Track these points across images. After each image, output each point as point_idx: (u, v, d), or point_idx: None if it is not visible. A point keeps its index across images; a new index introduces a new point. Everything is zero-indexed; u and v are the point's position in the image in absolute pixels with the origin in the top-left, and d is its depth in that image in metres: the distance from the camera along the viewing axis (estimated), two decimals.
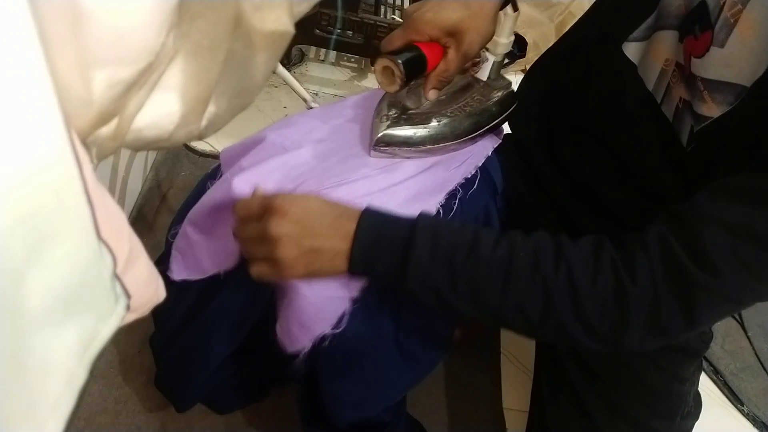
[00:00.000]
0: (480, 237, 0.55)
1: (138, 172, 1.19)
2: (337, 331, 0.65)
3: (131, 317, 0.41)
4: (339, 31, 1.41)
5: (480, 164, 0.74)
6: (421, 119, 0.69)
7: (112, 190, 1.05)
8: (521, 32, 1.70)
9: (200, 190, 0.77)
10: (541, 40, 1.69)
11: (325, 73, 1.63)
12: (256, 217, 0.57)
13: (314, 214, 0.55)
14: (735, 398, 1.24)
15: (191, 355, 0.80)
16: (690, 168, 0.58)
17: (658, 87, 0.60)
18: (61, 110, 0.28)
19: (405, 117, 0.69)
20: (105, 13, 0.29)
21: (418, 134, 0.69)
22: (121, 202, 1.11)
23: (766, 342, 1.40)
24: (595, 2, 0.76)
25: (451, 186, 0.70)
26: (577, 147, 0.71)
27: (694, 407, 0.80)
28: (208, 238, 0.71)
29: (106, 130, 0.38)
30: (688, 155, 0.57)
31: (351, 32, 1.42)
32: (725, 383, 1.26)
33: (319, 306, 0.64)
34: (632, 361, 0.72)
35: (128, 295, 0.37)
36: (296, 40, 1.48)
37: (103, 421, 0.96)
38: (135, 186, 1.18)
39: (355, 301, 0.65)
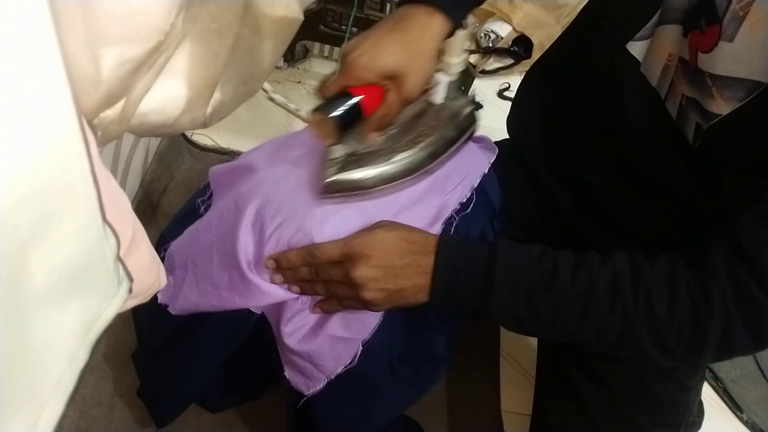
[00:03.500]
0: (559, 266, 0.57)
1: (138, 165, 1.19)
2: (350, 367, 0.65)
3: (132, 302, 0.41)
4: (346, 27, 1.41)
5: (476, 185, 0.70)
6: (372, 159, 0.64)
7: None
8: (527, 33, 1.68)
9: (191, 208, 0.75)
10: (547, 41, 1.67)
11: (329, 69, 1.62)
12: (335, 261, 0.59)
13: (394, 254, 0.58)
14: (735, 405, 1.23)
15: (176, 374, 0.79)
16: (699, 165, 0.57)
17: (662, 83, 0.59)
18: (71, 87, 0.28)
19: (354, 159, 0.64)
20: None
21: (369, 176, 0.63)
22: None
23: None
24: (588, 3, 0.74)
25: (446, 214, 0.67)
26: (579, 150, 0.69)
27: (697, 416, 0.79)
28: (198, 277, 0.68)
29: (112, 113, 0.38)
30: (695, 153, 0.56)
31: (356, 29, 1.43)
32: (725, 390, 1.26)
33: (332, 346, 0.64)
34: (641, 371, 0.72)
35: (131, 279, 0.37)
36: (300, 36, 1.48)
37: (98, 413, 0.95)
38: (135, 178, 1.18)
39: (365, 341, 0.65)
